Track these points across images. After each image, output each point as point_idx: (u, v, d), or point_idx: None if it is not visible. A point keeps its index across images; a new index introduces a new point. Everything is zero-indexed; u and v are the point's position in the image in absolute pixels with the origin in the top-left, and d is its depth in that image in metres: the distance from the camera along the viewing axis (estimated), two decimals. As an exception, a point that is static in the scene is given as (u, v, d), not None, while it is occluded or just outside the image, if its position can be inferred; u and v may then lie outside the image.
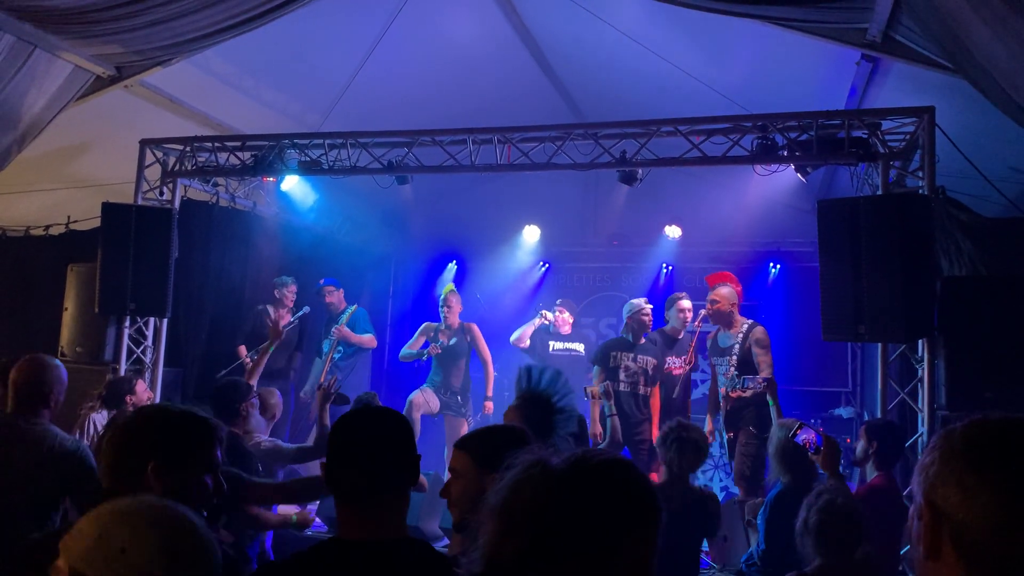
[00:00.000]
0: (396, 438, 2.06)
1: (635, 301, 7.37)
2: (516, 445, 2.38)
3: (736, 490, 8.58)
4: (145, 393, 5.86)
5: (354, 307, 8.49)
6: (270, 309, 7.99)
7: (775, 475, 4.75)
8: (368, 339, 8.57)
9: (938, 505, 1.11)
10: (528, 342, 8.10)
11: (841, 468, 7.13)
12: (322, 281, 8.64)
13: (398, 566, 1.89)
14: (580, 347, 8.10)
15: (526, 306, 9.96)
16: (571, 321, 8.19)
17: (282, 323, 7.85)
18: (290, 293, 8.08)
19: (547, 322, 8.05)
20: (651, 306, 7.34)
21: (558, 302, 8.23)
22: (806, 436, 3.93)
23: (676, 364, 7.34)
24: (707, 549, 6.16)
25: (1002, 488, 1.06)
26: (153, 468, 2.09)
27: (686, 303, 7.40)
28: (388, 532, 1.95)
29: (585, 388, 6.19)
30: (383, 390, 9.98)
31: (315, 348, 8.64)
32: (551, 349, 8.02)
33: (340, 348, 8.36)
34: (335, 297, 8.57)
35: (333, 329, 8.33)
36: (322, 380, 7.61)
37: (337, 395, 5.40)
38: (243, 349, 7.69)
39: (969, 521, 1.07)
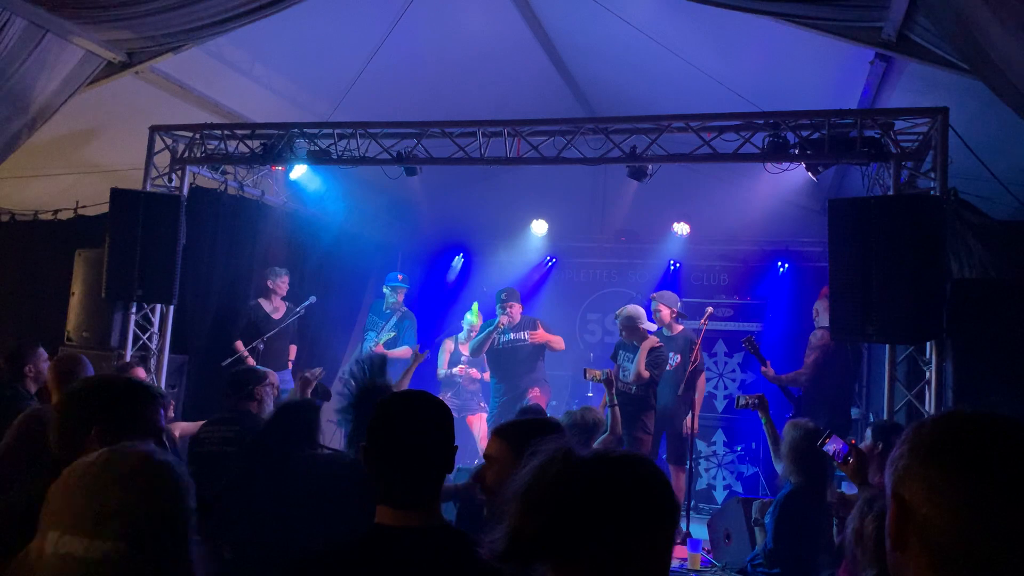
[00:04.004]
0: (438, 434, 2.05)
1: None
2: (551, 433, 2.41)
3: (738, 489, 8.61)
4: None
5: (423, 354, 8.41)
6: (263, 303, 7.96)
7: (786, 475, 4.74)
8: (403, 351, 8.51)
9: (905, 498, 1.13)
10: (485, 349, 7.89)
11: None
12: (400, 277, 8.81)
13: (438, 552, 1.91)
14: (524, 334, 7.88)
15: (531, 300, 9.96)
16: (520, 308, 7.97)
17: (280, 314, 7.88)
18: (283, 284, 8.03)
19: (504, 326, 7.80)
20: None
21: (503, 296, 7.84)
22: (835, 446, 3.91)
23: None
24: (709, 547, 6.19)
25: (966, 485, 1.07)
26: (96, 432, 2.21)
27: (660, 306, 7.51)
28: (426, 520, 1.96)
29: (585, 370, 6.23)
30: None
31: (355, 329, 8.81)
32: (496, 344, 7.83)
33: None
34: (397, 295, 8.70)
35: (371, 345, 8.41)
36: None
37: (318, 386, 5.41)
38: (240, 344, 7.64)
39: (934, 516, 1.08)
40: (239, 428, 4.68)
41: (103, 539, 1.43)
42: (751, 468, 8.72)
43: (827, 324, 6.51)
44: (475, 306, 8.64)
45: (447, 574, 1.89)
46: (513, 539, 1.30)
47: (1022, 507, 1.05)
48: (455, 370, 8.27)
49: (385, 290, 8.73)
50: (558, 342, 7.88)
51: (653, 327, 7.33)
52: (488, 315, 8.17)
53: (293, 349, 8.21)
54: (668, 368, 7.34)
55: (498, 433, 2.63)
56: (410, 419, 2.05)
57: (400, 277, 8.83)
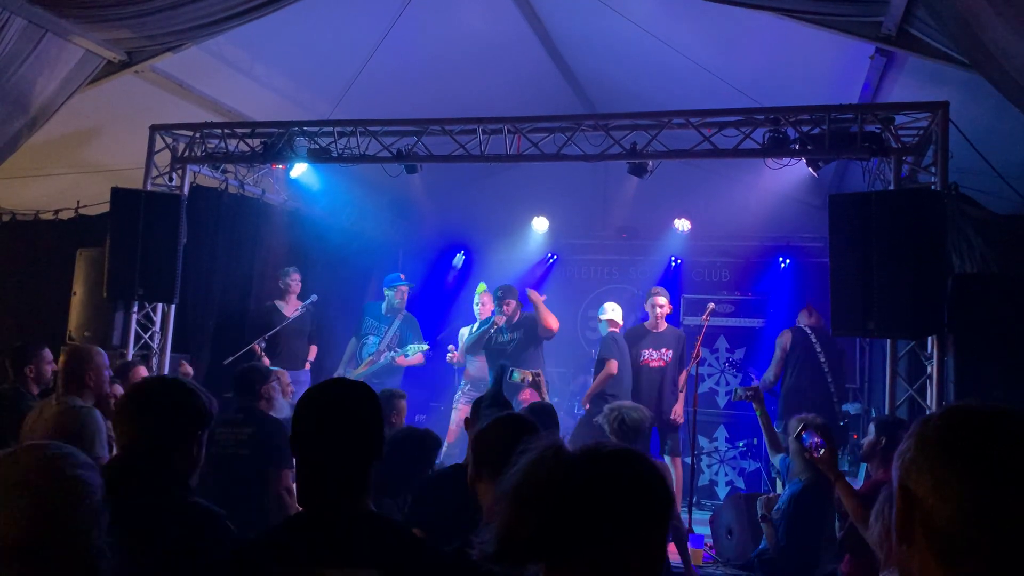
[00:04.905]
0: (360, 417, 2.02)
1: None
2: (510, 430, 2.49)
3: (740, 485, 8.61)
4: None
5: (424, 346, 8.30)
6: (279, 304, 7.98)
7: (795, 473, 4.75)
8: (417, 359, 8.40)
9: (911, 491, 1.12)
10: (481, 348, 7.81)
11: (847, 465, 7.23)
12: (403, 277, 8.64)
13: (359, 539, 1.90)
14: (519, 334, 7.72)
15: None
16: (518, 306, 7.82)
17: (292, 311, 7.89)
18: (294, 282, 8.05)
19: (500, 325, 7.67)
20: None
21: (499, 293, 7.73)
22: (813, 439, 3.94)
23: (653, 357, 7.48)
24: (711, 542, 6.20)
25: (972, 477, 1.07)
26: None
27: (661, 299, 7.61)
28: (349, 508, 1.95)
29: (512, 370, 6.25)
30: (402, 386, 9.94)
31: (354, 329, 8.61)
32: (492, 343, 7.74)
33: (388, 363, 8.30)
34: (402, 295, 8.53)
35: (391, 355, 8.18)
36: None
37: None
38: (257, 347, 7.61)
39: (939, 508, 1.08)
40: (254, 429, 4.72)
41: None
42: (753, 464, 8.73)
43: (803, 326, 7.42)
44: (482, 286, 8.49)
45: (370, 559, 1.88)
46: (505, 540, 1.28)
47: (1022, 496, 1.05)
48: (451, 356, 8.17)
49: (387, 292, 8.46)
50: (551, 320, 7.66)
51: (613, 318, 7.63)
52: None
53: (313, 349, 8.19)
54: (661, 364, 7.39)
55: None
56: (328, 412, 2.02)
57: (402, 276, 8.71)
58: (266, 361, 7.38)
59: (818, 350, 7.41)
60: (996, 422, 1.11)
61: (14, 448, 1.58)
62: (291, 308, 7.98)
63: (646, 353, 7.50)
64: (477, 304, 8.27)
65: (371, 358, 8.20)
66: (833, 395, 7.32)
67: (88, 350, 4.56)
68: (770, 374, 7.48)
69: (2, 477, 1.49)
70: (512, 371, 6.26)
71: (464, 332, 8.42)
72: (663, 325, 7.59)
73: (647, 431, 5.18)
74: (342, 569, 1.85)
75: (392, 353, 8.19)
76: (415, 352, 8.22)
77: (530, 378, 6.05)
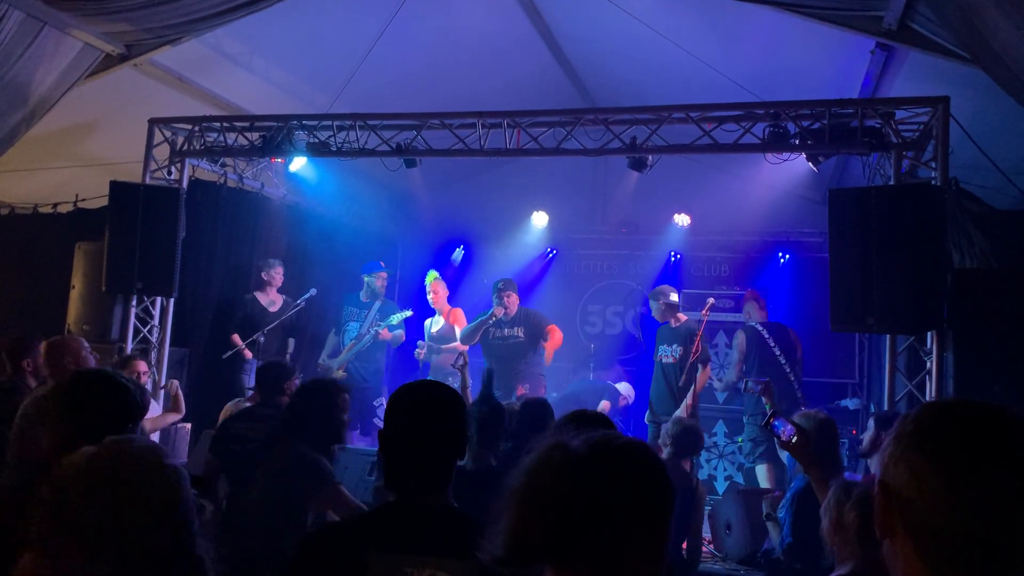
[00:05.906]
0: (448, 424, 2.14)
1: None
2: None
3: (739, 479, 8.61)
4: (144, 373, 5.86)
5: (408, 312, 8.35)
6: (259, 296, 7.90)
7: (799, 469, 4.74)
8: (398, 335, 8.44)
9: (890, 486, 1.15)
10: (477, 338, 7.69)
11: (847, 460, 7.23)
12: (382, 263, 8.63)
13: (447, 530, 2.00)
14: (520, 331, 7.65)
15: (532, 292, 9.94)
16: (517, 300, 7.75)
17: (277, 307, 7.84)
18: (277, 275, 7.96)
19: (498, 317, 7.56)
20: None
21: (500, 287, 7.62)
22: (783, 427, 3.93)
23: (666, 354, 7.50)
24: (709, 538, 6.19)
25: (946, 469, 1.10)
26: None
27: (659, 298, 7.64)
28: (435, 501, 2.08)
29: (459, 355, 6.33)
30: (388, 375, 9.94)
31: (334, 321, 8.58)
32: (491, 337, 7.63)
33: (371, 340, 8.30)
34: (382, 281, 8.52)
35: (375, 330, 8.17)
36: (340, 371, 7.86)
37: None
38: (237, 338, 7.53)
39: (916, 499, 1.11)
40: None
41: (101, 562, 1.39)
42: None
43: (755, 324, 7.42)
44: (432, 273, 8.54)
45: (450, 547, 1.96)
46: (513, 544, 1.28)
47: (997, 486, 1.07)
48: (419, 352, 8.23)
49: (367, 278, 8.41)
50: (557, 339, 7.69)
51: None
52: (485, 305, 8.10)
53: (291, 343, 8.14)
54: (671, 360, 7.40)
55: None
56: (421, 411, 2.14)
57: (382, 263, 8.65)
58: (247, 354, 7.34)
59: (772, 344, 7.42)
60: (970, 416, 1.14)
61: (97, 447, 1.54)
62: (276, 301, 7.91)
63: (661, 349, 7.55)
64: (430, 293, 8.32)
65: (353, 342, 8.20)
66: (793, 383, 7.31)
67: (60, 339, 4.66)
68: (731, 374, 7.50)
69: (105, 473, 1.46)
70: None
71: (428, 323, 8.43)
72: (680, 319, 7.59)
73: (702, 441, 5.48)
74: (430, 557, 1.94)
75: (376, 328, 8.18)
76: (399, 320, 8.21)
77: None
